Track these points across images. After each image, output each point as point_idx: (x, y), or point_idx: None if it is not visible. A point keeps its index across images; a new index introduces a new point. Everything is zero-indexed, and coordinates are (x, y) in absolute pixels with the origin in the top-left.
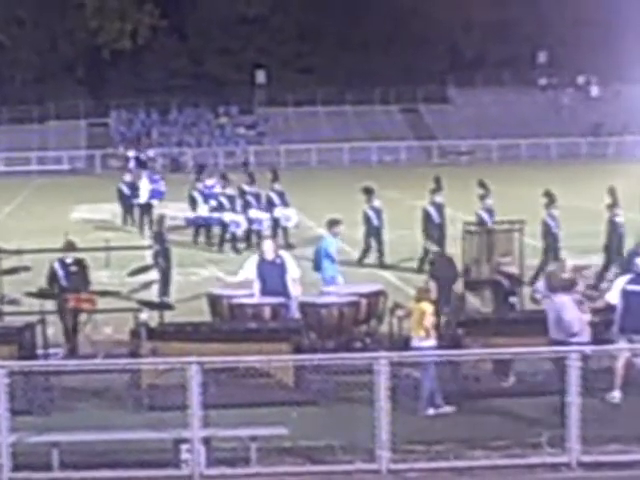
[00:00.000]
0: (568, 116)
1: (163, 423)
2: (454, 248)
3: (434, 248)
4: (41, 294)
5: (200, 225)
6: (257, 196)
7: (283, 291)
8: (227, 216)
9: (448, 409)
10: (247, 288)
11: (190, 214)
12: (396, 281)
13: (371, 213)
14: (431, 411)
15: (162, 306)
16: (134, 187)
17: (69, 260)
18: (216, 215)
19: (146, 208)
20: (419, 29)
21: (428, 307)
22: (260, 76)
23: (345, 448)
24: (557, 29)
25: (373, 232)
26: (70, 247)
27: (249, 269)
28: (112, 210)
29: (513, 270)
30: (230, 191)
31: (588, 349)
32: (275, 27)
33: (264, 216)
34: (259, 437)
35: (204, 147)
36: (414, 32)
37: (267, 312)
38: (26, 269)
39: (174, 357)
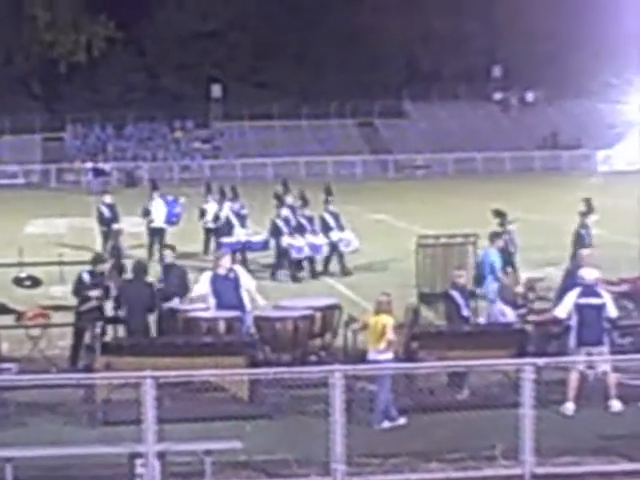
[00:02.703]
0: (521, 130)
1: (118, 438)
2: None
3: None
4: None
5: (237, 250)
6: (310, 219)
7: (239, 305)
8: (285, 240)
9: (402, 421)
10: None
11: (227, 239)
12: (351, 295)
13: (327, 216)
14: (386, 424)
15: (116, 320)
16: (114, 209)
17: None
18: (258, 239)
19: (159, 232)
20: (375, 43)
21: (389, 320)
22: (216, 90)
23: (300, 462)
24: (512, 43)
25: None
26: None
27: (203, 285)
28: (68, 224)
29: (467, 283)
30: (309, 212)
31: (541, 361)
32: (231, 42)
33: (321, 241)
34: (214, 451)
35: (160, 161)
36: (370, 46)
37: (222, 326)
38: None
39: (128, 372)
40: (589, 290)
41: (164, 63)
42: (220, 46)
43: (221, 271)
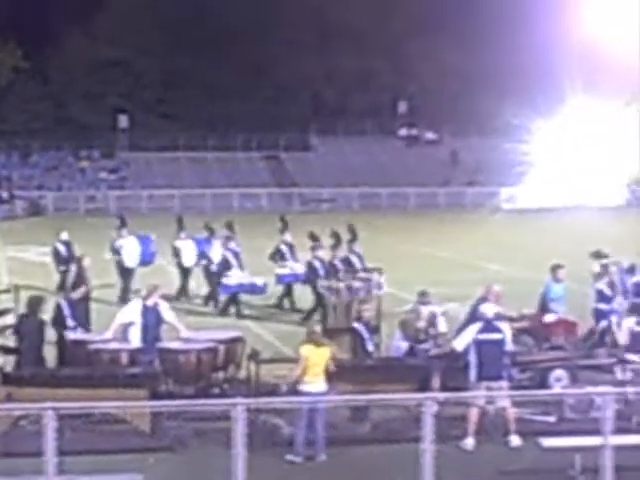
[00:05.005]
0: (426, 166)
1: (17, 470)
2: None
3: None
4: None
5: (238, 293)
6: (346, 260)
7: (159, 337)
8: (321, 282)
9: (299, 459)
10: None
11: (228, 280)
12: (255, 327)
13: (283, 247)
14: (290, 457)
15: (17, 351)
16: (70, 247)
17: None
18: (261, 282)
19: (130, 273)
20: (281, 77)
21: (330, 352)
22: (122, 121)
23: None
24: (418, 80)
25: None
26: None
27: (130, 314)
28: None
29: (371, 318)
30: (358, 248)
31: (442, 396)
32: (139, 71)
33: (357, 283)
34: None
35: (65, 191)
36: (277, 80)
37: (124, 358)
38: None
39: (29, 403)
40: (489, 325)
41: (70, 92)
42: (127, 75)
43: (150, 303)
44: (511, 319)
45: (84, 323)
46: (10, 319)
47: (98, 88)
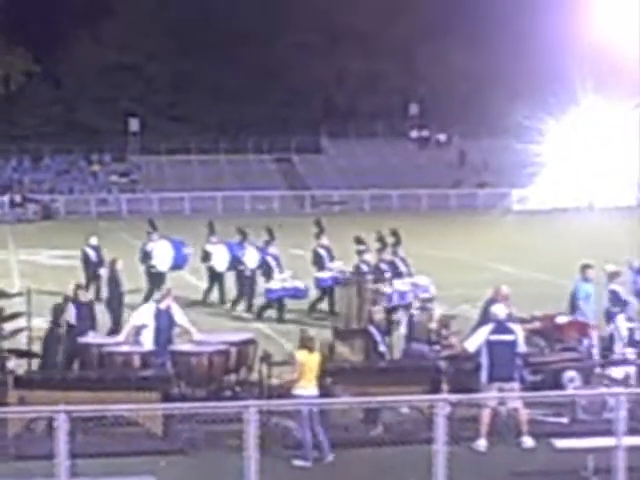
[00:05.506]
0: (437, 167)
1: (30, 473)
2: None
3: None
4: None
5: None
6: (391, 264)
7: (171, 339)
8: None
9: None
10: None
11: (271, 285)
12: (266, 330)
13: (322, 251)
14: (298, 462)
15: (30, 354)
16: (100, 252)
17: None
18: (302, 285)
19: (160, 278)
20: (292, 80)
21: (320, 356)
22: (134, 124)
23: None
24: (429, 81)
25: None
26: None
27: (143, 316)
28: None
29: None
30: (402, 252)
31: (454, 397)
32: (150, 75)
33: (405, 287)
34: None
35: (76, 194)
36: (288, 82)
37: (137, 360)
38: None
39: (41, 406)
40: (501, 327)
41: (81, 96)
42: (138, 79)
43: (163, 306)
44: (522, 320)
45: (89, 325)
46: (22, 322)
47: (109, 92)
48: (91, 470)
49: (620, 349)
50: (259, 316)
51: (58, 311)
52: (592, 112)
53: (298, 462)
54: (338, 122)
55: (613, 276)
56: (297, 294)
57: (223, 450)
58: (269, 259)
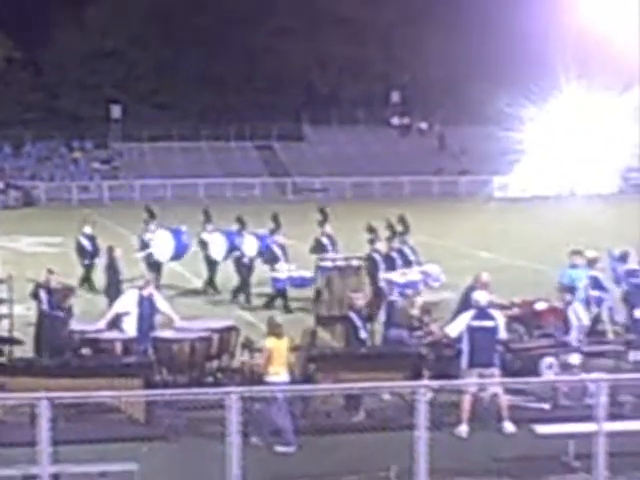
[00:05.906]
0: (419, 155)
1: (12, 459)
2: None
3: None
4: None
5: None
6: (400, 252)
7: (154, 325)
8: (383, 276)
9: (292, 449)
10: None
11: (277, 274)
12: (248, 316)
13: (324, 239)
14: (280, 448)
15: (12, 341)
16: (95, 242)
17: None
18: (308, 274)
19: (158, 267)
20: (274, 66)
21: (288, 342)
22: (115, 111)
23: None
24: (411, 68)
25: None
26: None
27: (126, 303)
28: None
29: (364, 306)
30: (411, 240)
31: (435, 383)
32: (131, 62)
33: (416, 276)
34: (109, 473)
35: (58, 181)
36: (269, 69)
37: (119, 347)
38: None
39: (23, 392)
40: (482, 313)
41: (63, 83)
42: (120, 66)
43: (145, 293)
44: (502, 307)
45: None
46: (4, 309)
47: (91, 79)
48: (73, 457)
49: (575, 336)
50: (268, 306)
51: (32, 297)
52: (574, 99)
53: (280, 448)
54: (320, 109)
55: (592, 262)
56: (304, 283)
57: (205, 436)
58: (274, 248)
